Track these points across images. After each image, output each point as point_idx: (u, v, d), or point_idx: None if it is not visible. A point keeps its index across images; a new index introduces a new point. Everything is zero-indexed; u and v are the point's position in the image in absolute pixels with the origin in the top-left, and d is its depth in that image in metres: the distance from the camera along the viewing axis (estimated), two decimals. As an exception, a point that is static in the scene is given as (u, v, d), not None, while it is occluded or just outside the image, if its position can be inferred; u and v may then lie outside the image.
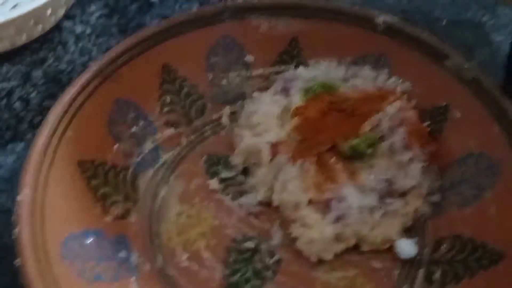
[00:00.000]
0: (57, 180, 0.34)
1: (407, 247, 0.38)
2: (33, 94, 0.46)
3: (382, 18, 0.42)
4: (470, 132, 0.39)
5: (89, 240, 0.35)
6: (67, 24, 0.51)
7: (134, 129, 0.41)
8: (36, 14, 0.44)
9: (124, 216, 0.38)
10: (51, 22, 0.49)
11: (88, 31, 0.51)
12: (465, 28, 0.54)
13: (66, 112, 0.36)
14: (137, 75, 0.40)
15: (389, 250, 0.39)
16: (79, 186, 0.36)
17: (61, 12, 0.49)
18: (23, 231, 0.32)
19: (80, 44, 0.50)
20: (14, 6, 0.49)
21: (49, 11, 0.46)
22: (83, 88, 0.37)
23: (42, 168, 0.34)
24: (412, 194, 0.40)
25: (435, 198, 0.40)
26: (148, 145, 0.42)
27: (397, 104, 0.41)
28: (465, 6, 0.56)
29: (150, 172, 0.41)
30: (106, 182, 0.38)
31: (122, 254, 0.36)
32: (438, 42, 0.41)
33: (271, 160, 0.41)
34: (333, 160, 0.40)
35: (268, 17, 0.44)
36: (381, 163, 0.40)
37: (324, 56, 0.45)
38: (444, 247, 0.37)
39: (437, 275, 0.36)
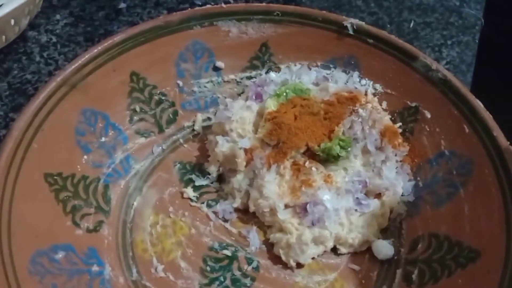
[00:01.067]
0: (23, 194, 0.33)
1: (384, 248, 0.38)
2: (-3, 107, 0.44)
3: (350, 22, 0.42)
4: (441, 132, 0.40)
5: (59, 255, 0.34)
6: (31, 33, 0.50)
7: (103, 139, 0.40)
8: (-2, 24, 0.43)
9: (95, 228, 0.37)
10: (15, 32, 0.47)
11: (54, 40, 0.50)
12: (433, 29, 0.55)
13: (30, 124, 0.35)
14: (104, 84, 0.39)
15: (367, 251, 0.39)
16: (47, 200, 0.35)
17: (25, 22, 0.48)
18: (-11, 249, 0.30)
19: (45, 54, 0.49)
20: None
21: (12, 22, 0.44)
22: (48, 98, 0.36)
23: (7, 183, 0.32)
24: (387, 195, 0.40)
25: (410, 198, 0.40)
26: (119, 155, 0.41)
27: (369, 106, 0.41)
28: (431, 9, 0.57)
29: (122, 182, 0.40)
30: (75, 194, 0.37)
31: (95, 268, 0.35)
32: (406, 44, 0.42)
33: (246, 166, 0.40)
34: (307, 163, 0.39)
35: (237, 22, 0.44)
36: (355, 165, 0.40)
37: (294, 60, 0.45)
38: (420, 247, 0.38)
39: (415, 275, 0.36)
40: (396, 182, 0.40)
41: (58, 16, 0.52)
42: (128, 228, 0.39)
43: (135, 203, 0.40)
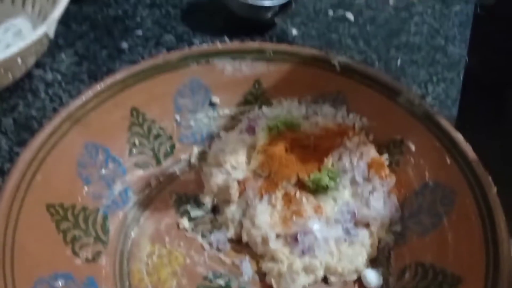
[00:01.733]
0: (26, 224, 0.35)
1: (373, 277, 0.40)
2: (3, 142, 0.46)
3: (338, 59, 0.45)
4: (425, 163, 0.41)
5: (59, 284, 0.35)
6: (37, 72, 0.53)
7: (103, 171, 0.42)
8: (6, 64, 0.45)
9: (94, 258, 0.38)
10: (21, 71, 0.50)
11: (59, 78, 0.53)
12: (419, 66, 0.57)
13: (35, 157, 0.37)
14: (106, 119, 0.42)
15: (357, 281, 0.40)
16: (48, 230, 0.37)
17: (32, 60, 0.50)
18: (-8, 277, 0.32)
19: (50, 91, 0.51)
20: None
21: (19, 61, 0.47)
22: (52, 133, 0.38)
23: (12, 212, 0.34)
24: (375, 225, 0.41)
25: (397, 228, 0.42)
26: (118, 187, 0.42)
27: (356, 139, 0.43)
28: (418, 47, 0.60)
29: (120, 213, 0.42)
30: (76, 225, 0.38)
31: (93, 296, 0.36)
32: (391, 79, 0.44)
33: (239, 196, 0.42)
34: (298, 194, 0.41)
35: (232, 60, 0.46)
36: (344, 196, 0.42)
37: (286, 95, 0.47)
38: (407, 275, 0.39)
39: (403, 303, 0.37)
40: (384, 212, 0.41)
41: (63, 55, 0.55)
42: (125, 258, 0.40)
43: (132, 234, 0.41)
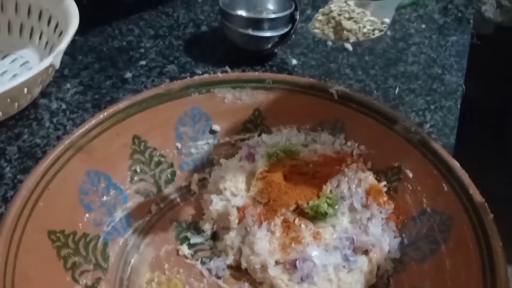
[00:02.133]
0: (28, 250, 0.35)
1: (372, 305, 0.40)
2: (7, 169, 0.47)
3: (336, 88, 0.46)
4: (423, 190, 0.42)
5: (58, 310, 0.35)
6: (43, 101, 0.54)
7: (105, 198, 0.42)
8: (12, 93, 0.46)
9: (94, 285, 0.39)
10: (27, 100, 0.51)
11: (63, 107, 0.54)
12: (417, 95, 0.58)
13: (38, 184, 0.37)
14: (108, 146, 0.43)
15: (356, 308, 0.40)
16: (49, 255, 0.37)
17: (37, 90, 0.52)
18: (-8, 303, 0.32)
19: (55, 120, 0.52)
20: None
21: (25, 90, 0.48)
22: (55, 160, 0.39)
23: (13, 238, 0.35)
24: (374, 251, 0.41)
25: (396, 254, 0.42)
26: (119, 214, 0.43)
27: (354, 166, 0.44)
28: (415, 76, 0.61)
29: (121, 240, 0.42)
30: (76, 251, 0.39)
31: (92, 323, 0.36)
32: (387, 108, 0.45)
33: (239, 223, 0.42)
34: (297, 221, 0.41)
35: (232, 89, 0.48)
36: (342, 222, 0.42)
37: (285, 123, 0.48)
38: (407, 303, 0.39)
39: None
40: (382, 239, 0.42)
41: (68, 85, 0.56)
42: (124, 285, 0.40)
43: (132, 261, 0.42)
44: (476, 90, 0.59)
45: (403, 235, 0.42)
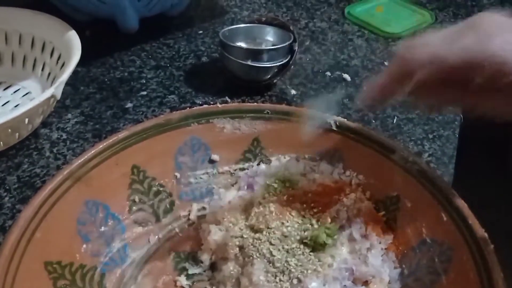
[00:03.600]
0: (24, 281, 0.35)
1: (373, 338, 0.39)
2: (6, 199, 0.47)
3: (334, 118, 0.46)
4: (422, 220, 0.42)
5: None
6: (43, 131, 0.54)
7: (103, 229, 0.42)
8: (13, 124, 0.47)
9: (90, 317, 0.38)
10: (28, 130, 0.52)
11: (64, 136, 0.54)
12: (415, 124, 0.59)
13: (35, 214, 0.37)
14: (107, 176, 0.43)
15: None
16: (45, 287, 0.36)
17: (38, 120, 0.52)
18: (-14, 336, 0.32)
19: (55, 149, 0.53)
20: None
21: (26, 121, 0.49)
22: (54, 191, 0.39)
23: (10, 269, 0.34)
24: (374, 282, 0.41)
25: (396, 285, 0.41)
26: (117, 244, 0.43)
27: (353, 195, 0.44)
28: (413, 105, 0.61)
29: (118, 271, 0.42)
30: (73, 282, 0.38)
31: None
32: (385, 138, 0.45)
33: (237, 254, 0.42)
34: (297, 251, 0.41)
35: (231, 119, 0.48)
36: (342, 253, 0.42)
37: (284, 153, 0.48)
38: (408, 335, 0.38)
39: None
40: (382, 269, 0.41)
41: (69, 115, 0.57)
42: (121, 317, 0.40)
43: (130, 292, 0.41)
44: (473, 121, 0.59)
45: (403, 266, 0.41)
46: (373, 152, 0.45)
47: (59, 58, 0.57)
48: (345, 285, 0.40)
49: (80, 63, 0.54)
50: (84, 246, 0.40)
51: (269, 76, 0.60)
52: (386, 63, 0.68)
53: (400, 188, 0.43)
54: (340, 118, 0.47)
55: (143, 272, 0.43)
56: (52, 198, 0.39)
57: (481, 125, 0.61)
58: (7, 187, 0.48)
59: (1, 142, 0.49)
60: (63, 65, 0.56)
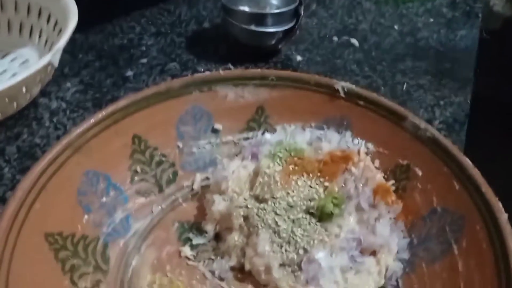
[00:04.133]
0: (23, 253, 0.34)
1: (381, 307, 0.38)
2: (5, 169, 0.46)
3: (341, 85, 0.45)
4: (432, 189, 0.40)
5: (56, 315, 0.34)
6: (42, 100, 0.53)
7: (104, 199, 0.41)
8: (11, 93, 0.46)
9: (93, 288, 0.38)
10: (26, 100, 0.50)
11: (63, 106, 0.53)
12: (426, 91, 0.57)
13: (34, 184, 0.36)
14: (107, 146, 0.41)
15: (364, 311, 0.39)
16: (46, 258, 0.36)
17: (37, 89, 0.51)
18: (-13, 308, 0.31)
19: (55, 119, 0.51)
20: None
21: (24, 89, 0.47)
22: (52, 161, 0.38)
23: (8, 240, 0.34)
24: (382, 252, 0.40)
25: (405, 255, 0.40)
26: (119, 215, 0.42)
27: (361, 164, 0.42)
28: (424, 71, 0.59)
29: (121, 242, 0.41)
30: (75, 254, 0.38)
31: (90, 328, 0.35)
32: (395, 105, 0.44)
33: (242, 224, 0.41)
34: (302, 221, 0.40)
35: (234, 87, 0.46)
36: (349, 223, 0.41)
37: (289, 121, 0.46)
38: (417, 305, 0.37)
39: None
40: (391, 239, 0.40)
41: (68, 84, 0.55)
42: (125, 287, 0.39)
43: (133, 262, 0.41)
44: (485, 85, 0.57)
45: (412, 235, 0.40)
46: (382, 119, 0.43)
47: (55, 24, 0.55)
48: (352, 255, 0.39)
49: (78, 30, 0.52)
50: (86, 217, 0.40)
51: (273, 41, 0.58)
52: (395, 27, 0.65)
53: (411, 156, 0.42)
54: (348, 84, 0.45)
55: (146, 243, 0.42)
56: (51, 169, 0.38)
57: (494, 91, 0.59)
58: (6, 158, 0.47)
59: (-1, 112, 0.48)
60: (60, 31, 0.54)
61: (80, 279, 0.37)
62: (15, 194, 0.35)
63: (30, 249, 0.35)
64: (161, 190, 0.44)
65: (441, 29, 0.66)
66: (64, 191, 0.38)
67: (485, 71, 0.61)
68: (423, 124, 0.42)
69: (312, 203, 0.41)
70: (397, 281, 0.39)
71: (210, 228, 0.43)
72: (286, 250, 0.39)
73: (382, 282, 0.39)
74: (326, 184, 0.42)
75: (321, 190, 0.41)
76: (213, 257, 0.42)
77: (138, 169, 0.44)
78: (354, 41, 0.63)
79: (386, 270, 0.40)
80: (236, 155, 0.46)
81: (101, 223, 0.40)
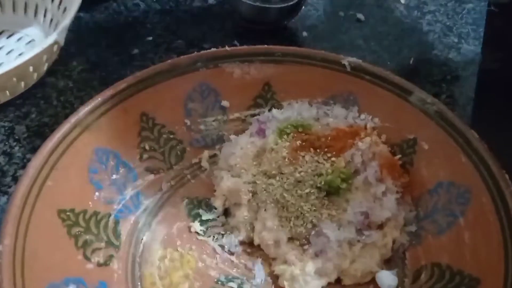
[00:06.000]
0: (37, 229, 0.35)
1: (388, 279, 0.39)
2: (16, 148, 0.47)
3: (348, 60, 0.44)
4: (439, 162, 0.41)
5: (71, 289, 0.35)
6: (49, 79, 0.53)
7: (114, 176, 0.42)
8: (18, 72, 0.46)
9: (106, 262, 0.38)
10: (33, 79, 0.51)
11: (70, 85, 0.53)
12: (432, 65, 0.56)
13: (45, 163, 0.37)
14: (115, 124, 0.42)
15: (371, 282, 0.39)
16: (60, 235, 0.37)
17: (43, 68, 0.51)
18: (4, 282, 0.32)
19: (62, 98, 0.52)
20: (-2, 65, 0.51)
21: (31, 69, 0.48)
22: (62, 139, 0.38)
23: (22, 218, 0.34)
24: (389, 225, 0.41)
25: (412, 228, 0.41)
26: (129, 192, 0.42)
27: (368, 139, 0.43)
28: (431, 46, 0.59)
29: (132, 218, 0.42)
30: (87, 229, 0.39)
31: (105, 301, 0.36)
32: (402, 79, 0.43)
33: (250, 199, 0.42)
34: (310, 195, 0.41)
35: (241, 63, 0.46)
36: (356, 197, 0.41)
37: (296, 97, 0.46)
38: (423, 277, 0.38)
39: (419, 305, 0.36)
40: (397, 212, 0.41)
41: (75, 63, 0.56)
42: (137, 262, 0.40)
43: (144, 238, 0.41)
44: (492, 60, 0.57)
45: (419, 209, 0.41)
46: (389, 94, 0.43)
47: (60, 3, 0.55)
48: (360, 229, 0.40)
49: (83, 9, 0.52)
50: (97, 193, 0.40)
51: (279, 17, 0.58)
52: (402, 1, 0.64)
53: (418, 130, 0.42)
54: (354, 59, 0.45)
55: (156, 219, 0.43)
56: (61, 147, 0.38)
57: (502, 65, 0.58)
58: (16, 137, 0.48)
59: (8, 92, 0.48)
60: (64, 10, 0.54)
61: (92, 254, 0.38)
62: (27, 172, 0.36)
63: (43, 225, 0.36)
64: (170, 167, 0.45)
65: (448, 2, 0.65)
66: (75, 169, 0.39)
67: (492, 45, 0.60)
68: (429, 98, 0.42)
69: (319, 178, 0.41)
70: (403, 253, 0.40)
71: (219, 204, 0.43)
72: (294, 225, 0.40)
73: (389, 254, 0.40)
74: (333, 159, 0.42)
75: (328, 165, 0.42)
76: (222, 232, 0.42)
77: (147, 147, 0.44)
78: (360, 16, 0.62)
79: (393, 243, 0.40)
80: (244, 132, 0.46)
81: (112, 200, 0.41)
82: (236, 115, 0.47)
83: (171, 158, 0.45)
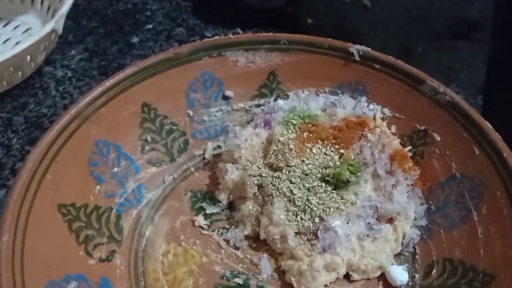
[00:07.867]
0: (36, 224, 0.34)
1: (398, 274, 0.38)
2: (14, 140, 0.46)
3: (356, 48, 0.43)
4: (451, 154, 0.39)
5: (72, 286, 0.34)
6: (47, 69, 0.52)
7: (115, 169, 0.40)
8: (15, 61, 0.44)
9: (108, 258, 0.37)
10: (31, 68, 0.49)
11: (69, 74, 0.52)
12: (441, 54, 0.55)
13: (44, 156, 0.36)
14: (116, 115, 0.40)
15: (381, 278, 0.38)
16: (60, 230, 0.35)
17: (41, 58, 0.50)
18: (3, 280, 0.31)
19: (61, 88, 0.50)
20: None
21: (28, 58, 0.46)
22: (62, 131, 0.37)
23: (21, 213, 0.33)
24: (399, 219, 0.39)
25: (423, 222, 0.40)
26: (131, 185, 0.41)
27: (377, 130, 0.41)
28: (439, 34, 0.57)
29: (134, 212, 0.41)
30: (88, 224, 0.37)
31: (107, 298, 0.35)
32: (413, 68, 0.42)
33: (256, 192, 0.40)
34: (318, 189, 0.39)
35: (245, 52, 0.45)
36: (365, 190, 0.40)
37: (302, 87, 0.45)
38: (435, 272, 0.37)
39: (430, 301, 0.35)
40: (408, 206, 0.39)
41: (73, 52, 0.54)
42: (140, 257, 0.39)
43: (147, 232, 0.40)
44: (502, 47, 0.55)
45: (430, 202, 0.40)
46: (399, 83, 0.42)
47: (57, -11, 0.53)
48: (369, 223, 0.39)
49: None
50: (98, 187, 0.39)
51: (283, 3, 0.56)
52: (409, -13, 0.63)
53: (429, 121, 0.40)
54: (363, 47, 0.43)
55: (159, 213, 0.41)
56: (61, 139, 0.37)
57: (510, 53, 0.57)
58: (14, 128, 0.47)
59: (4, 82, 0.47)
60: (62, -3, 0.52)
61: (94, 249, 0.37)
62: (25, 165, 0.35)
63: (43, 220, 0.34)
64: (172, 159, 0.44)
65: (456, -12, 0.63)
66: (75, 162, 0.38)
67: (502, 32, 0.58)
68: (441, 88, 0.40)
69: (327, 171, 0.40)
70: (414, 247, 0.39)
71: (223, 197, 0.42)
72: (301, 219, 0.39)
73: (399, 249, 0.39)
74: (342, 151, 0.41)
75: (336, 157, 0.41)
76: (227, 226, 0.41)
77: (149, 138, 0.43)
78: (366, 2, 0.60)
79: (403, 237, 0.39)
80: (248, 123, 0.45)
81: (114, 193, 0.40)
82: (240, 105, 0.46)
83: (173, 150, 0.44)
